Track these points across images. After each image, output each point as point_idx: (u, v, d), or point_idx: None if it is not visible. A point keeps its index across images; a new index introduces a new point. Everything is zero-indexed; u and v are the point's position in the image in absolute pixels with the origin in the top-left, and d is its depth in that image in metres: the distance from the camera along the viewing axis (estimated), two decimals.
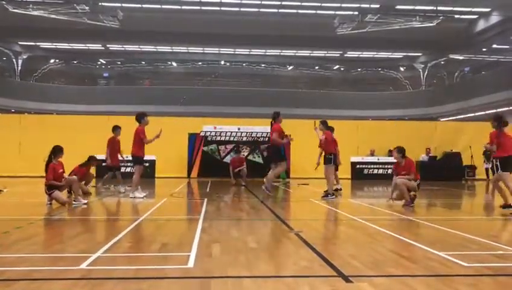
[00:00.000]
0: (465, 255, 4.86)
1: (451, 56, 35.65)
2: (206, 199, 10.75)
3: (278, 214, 8.22)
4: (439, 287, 3.72)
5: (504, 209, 8.61)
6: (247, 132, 20.10)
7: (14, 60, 35.93)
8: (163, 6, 28.47)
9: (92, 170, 12.65)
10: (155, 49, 38.30)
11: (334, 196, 11.29)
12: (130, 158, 11.49)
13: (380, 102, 36.44)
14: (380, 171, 20.11)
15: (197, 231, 6.23)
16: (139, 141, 10.76)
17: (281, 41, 33.59)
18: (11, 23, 29.36)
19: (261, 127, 20.26)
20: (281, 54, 38.44)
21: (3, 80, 35.52)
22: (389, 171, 15.39)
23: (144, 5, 28.21)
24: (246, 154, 19.29)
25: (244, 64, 41.07)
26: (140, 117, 10.88)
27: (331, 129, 11.85)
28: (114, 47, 37.20)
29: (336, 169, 12.62)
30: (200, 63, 41.30)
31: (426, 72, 38.27)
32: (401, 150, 9.90)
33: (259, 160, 19.95)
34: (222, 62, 41.24)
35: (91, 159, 12.13)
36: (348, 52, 37.74)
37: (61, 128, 19.51)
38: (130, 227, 6.58)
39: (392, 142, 18.04)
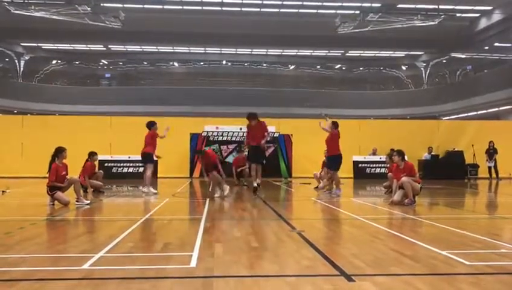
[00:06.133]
0: (468, 253, 4.85)
1: (453, 55, 35.63)
2: (208, 199, 10.75)
3: (280, 214, 8.22)
4: (441, 286, 3.72)
5: None
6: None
7: (16, 61, 36.04)
8: (165, 7, 28.52)
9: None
10: (157, 50, 38.37)
11: (339, 191, 11.62)
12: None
13: (382, 101, 36.43)
14: (382, 170, 20.01)
15: (199, 230, 6.24)
16: (151, 141, 11.88)
17: (283, 40, 33.62)
18: (13, 25, 29.45)
19: None
20: (283, 53, 38.47)
21: (6, 81, 35.63)
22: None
23: (145, 6, 28.26)
24: (247, 153, 19.17)
25: (245, 64, 41.10)
26: (151, 125, 12.08)
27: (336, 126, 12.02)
28: (116, 47, 37.30)
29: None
30: (201, 63, 41.35)
31: (428, 71, 38.25)
32: (401, 153, 9.85)
33: None
34: (224, 62, 41.27)
35: (91, 154, 12.65)
36: (350, 52, 37.74)
37: (63, 129, 19.56)
38: (133, 227, 6.59)
39: (394, 141, 18.10)
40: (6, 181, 15.38)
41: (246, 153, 14.76)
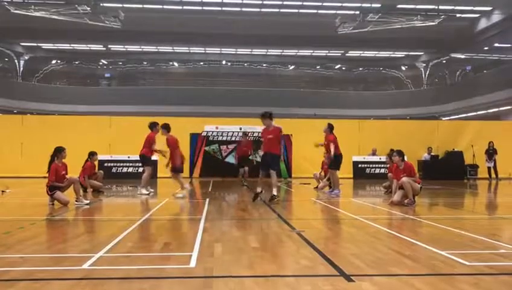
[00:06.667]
0: (467, 254, 4.85)
1: (453, 55, 35.63)
2: (207, 199, 10.75)
3: (280, 214, 8.21)
4: (441, 286, 3.72)
5: None
6: (249, 132, 20.07)
7: (16, 61, 36.04)
8: (165, 7, 28.50)
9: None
10: (156, 50, 38.34)
11: (339, 191, 11.79)
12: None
13: (382, 101, 36.43)
14: (382, 170, 19.99)
15: (199, 230, 6.24)
16: (149, 145, 11.99)
17: (283, 41, 33.61)
18: (12, 24, 29.44)
19: (262, 127, 20.19)
20: (283, 53, 38.46)
21: (5, 81, 35.61)
22: None
23: (145, 6, 28.24)
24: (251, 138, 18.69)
25: (245, 64, 41.08)
26: (153, 125, 12.11)
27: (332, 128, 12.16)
28: (115, 47, 37.29)
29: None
30: (201, 63, 41.33)
31: (428, 71, 38.25)
32: (401, 153, 9.86)
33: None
34: (224, 62, 41.26)
35: (91, 154, 12.67)
36: (350, 52, 37.74)
37: (63, 129, 19.53)
38: (132, 227, 6.59)
39: (394, 141, 18.09)
40: (6, 181, 15.37)
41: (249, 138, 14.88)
